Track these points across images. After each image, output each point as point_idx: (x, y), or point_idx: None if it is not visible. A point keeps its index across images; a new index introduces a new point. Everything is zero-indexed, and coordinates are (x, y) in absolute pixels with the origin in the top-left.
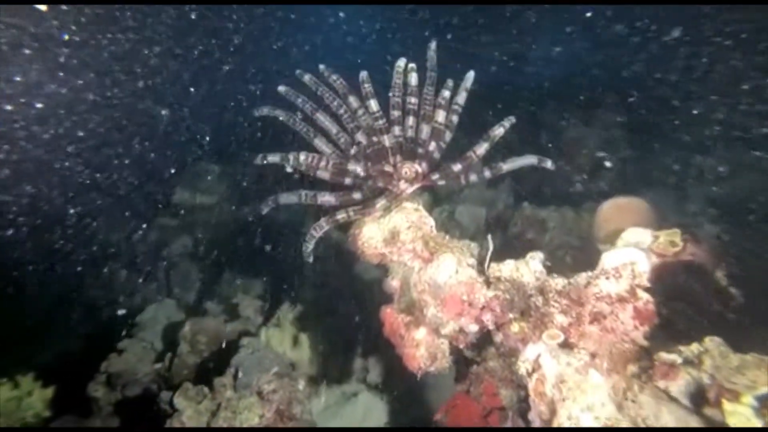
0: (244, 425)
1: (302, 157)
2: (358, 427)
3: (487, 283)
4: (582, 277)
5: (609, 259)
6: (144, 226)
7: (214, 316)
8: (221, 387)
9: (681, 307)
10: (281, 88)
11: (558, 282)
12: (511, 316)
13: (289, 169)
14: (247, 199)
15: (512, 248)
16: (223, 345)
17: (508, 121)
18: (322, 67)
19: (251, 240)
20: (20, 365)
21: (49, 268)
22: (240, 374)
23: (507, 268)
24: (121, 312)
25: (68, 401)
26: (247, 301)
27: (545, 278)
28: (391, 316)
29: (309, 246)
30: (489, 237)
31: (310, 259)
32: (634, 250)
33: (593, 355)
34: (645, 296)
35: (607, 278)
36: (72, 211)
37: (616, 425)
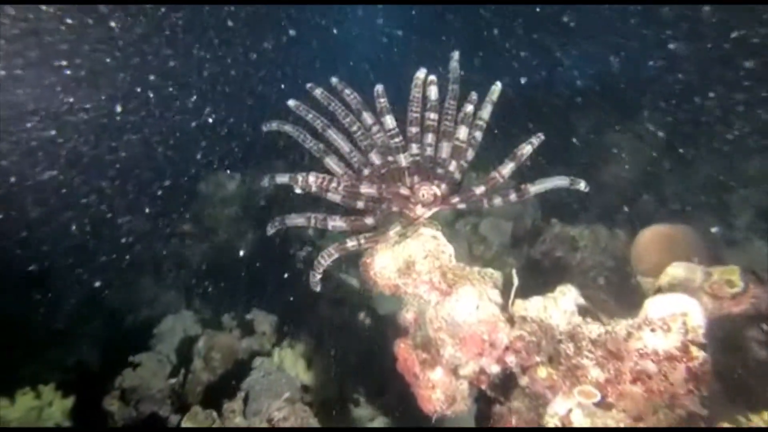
0: None
1: (311, 178)
2: (359, 427)
3: (511, 321)
4: (621, 327)
5: (655, 306)
6: (167, 232)
7: (230, 331)
8: (230, 413)
9: (744, 365)
10: (291, 103)
11: (592, 329)
12: (537, 359)
13: (297, 190)
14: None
15: (539, 270)
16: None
17: (537, 139)
18: (334, 80)
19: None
20: (46, 370)
21: (74, 274)
22: (250, 399)
23: (534, 307)
24: (141, 318)
25: (87, 411)
26: (261, 316)
27: (577, 322)
28: (405, 351)
29: (317, 275)
30: (514, 272)
31: (318, 288)
32: (685, 299)
33: (637, 419)
34: (701, 355)
35: (653, 330)
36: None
37: None
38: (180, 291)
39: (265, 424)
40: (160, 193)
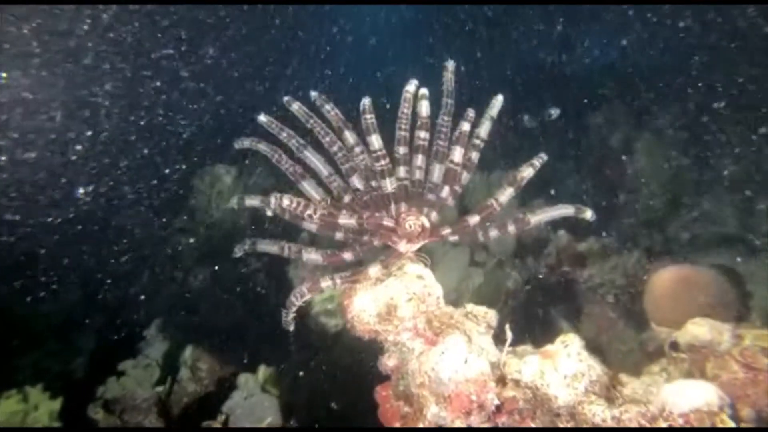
0: None
1: (285, 201)
2: (359, 427)
3: (503, 381)
4: (633, 415)
5: (676, 397)
6: (164, 230)
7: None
8: None
9: None
10: (262, 118)
11: (596, 411)
12: (532, 425)
13: (269, 213)
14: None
15: (544, 285)
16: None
17: (539, 160)
18: (314, 94)
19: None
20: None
21: (72, 270)
22: (230, 422)
23: (529, 371)
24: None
25: (73, 417)
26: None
27: (580, 394)
28: (387, 401)
29: (289, 314)
30: (507, 327)
31: (291, 328)
32: (715, 393)
33: None
34: None
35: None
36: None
37: None
38: (173, 290)
39: None
40: (156, 188)
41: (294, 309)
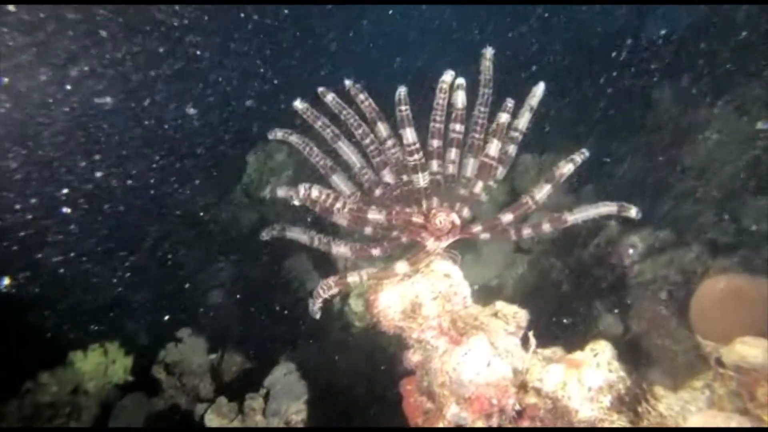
0: None
1: (315, 192)
2: (359, 427)
3: (524, 387)
4: None
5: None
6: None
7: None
8: (251, 410)
9: None
10: (298, 105)
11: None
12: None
13: (296, 202)
14: None
15: (588, 277)
16: None
17: (581, 156)
18: (348, 82)
19: None
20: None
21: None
22: (271, 398)
23: (551, 381)
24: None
25: (143, 372)
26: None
27: (603, 411)
28: (411, 395)
29: (316, 304)
30: (531, 334)
31: (317, 316)
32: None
33: None
34: None
35: None
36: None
37: None
38: (229, 262)
39: (282, 425)
40: (213, 164)
41: (320, 300)
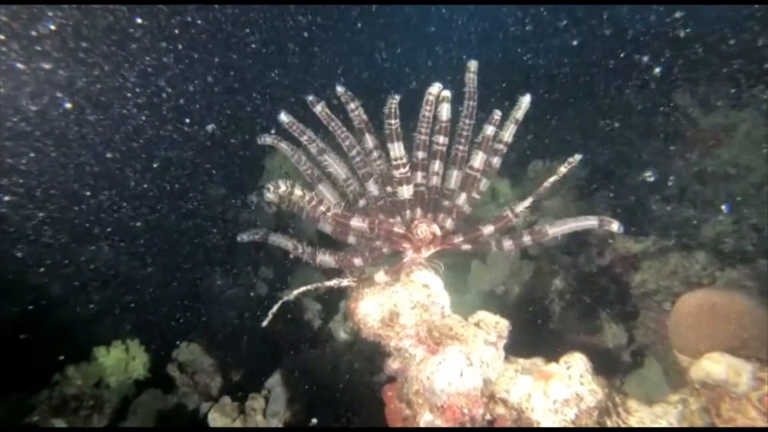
0: None
1: (297, 192)
2: (358, 427)
3: (493, 398)
4: None
5: None
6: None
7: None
8: (251, 410)
9: None
10: (284, 118)
11: None
12: None
13: (270, 196)
14: None
15: (592, 287)
16: None
17: (567, 166)
18: (340, 89)
19: None
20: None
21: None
22: (271, 399)
23: (517, 392)
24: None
25: (159, 370)
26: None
27: (566, 424)
28: (392, 401)
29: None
30: (501, 346)
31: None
32: None
33: None
34: None
35: None
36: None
37: None
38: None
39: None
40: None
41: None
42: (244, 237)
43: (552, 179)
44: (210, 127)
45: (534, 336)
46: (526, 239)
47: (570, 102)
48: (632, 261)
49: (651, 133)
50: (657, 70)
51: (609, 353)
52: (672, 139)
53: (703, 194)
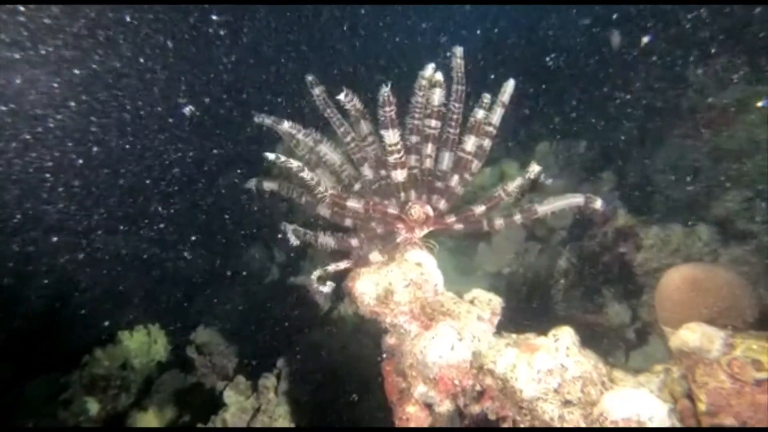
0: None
1: (295, 163)
2: (357, 427)
3: (482, 370)
4: (576, 416)
5: (613, 403)
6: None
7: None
8: (264, 389)
9: None
10: (286, 125)
11: (547, 409)
12: (508, 413)
13: (271, 156)
14: None
15: (596, 264)
16: None
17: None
18: (342, 97)
19: None
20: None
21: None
22: (282, 378)
23: (503, 363)
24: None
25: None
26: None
27: (544, 392)
28: (390, 375)
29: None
30: (494, 320)
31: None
32: (650, 403)
33: None
34: None
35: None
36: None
37: None
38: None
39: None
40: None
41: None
42: (291, 238)
43: (535, 168)
44: (187, 110)
45: (537, 314)
46: (517, 218)
47: (577, 83)
48: (636, 240)
49: (663, 110)
50: (645, 39)
51: (613, 331)
52: (684, 116)
53: (715, 172)
